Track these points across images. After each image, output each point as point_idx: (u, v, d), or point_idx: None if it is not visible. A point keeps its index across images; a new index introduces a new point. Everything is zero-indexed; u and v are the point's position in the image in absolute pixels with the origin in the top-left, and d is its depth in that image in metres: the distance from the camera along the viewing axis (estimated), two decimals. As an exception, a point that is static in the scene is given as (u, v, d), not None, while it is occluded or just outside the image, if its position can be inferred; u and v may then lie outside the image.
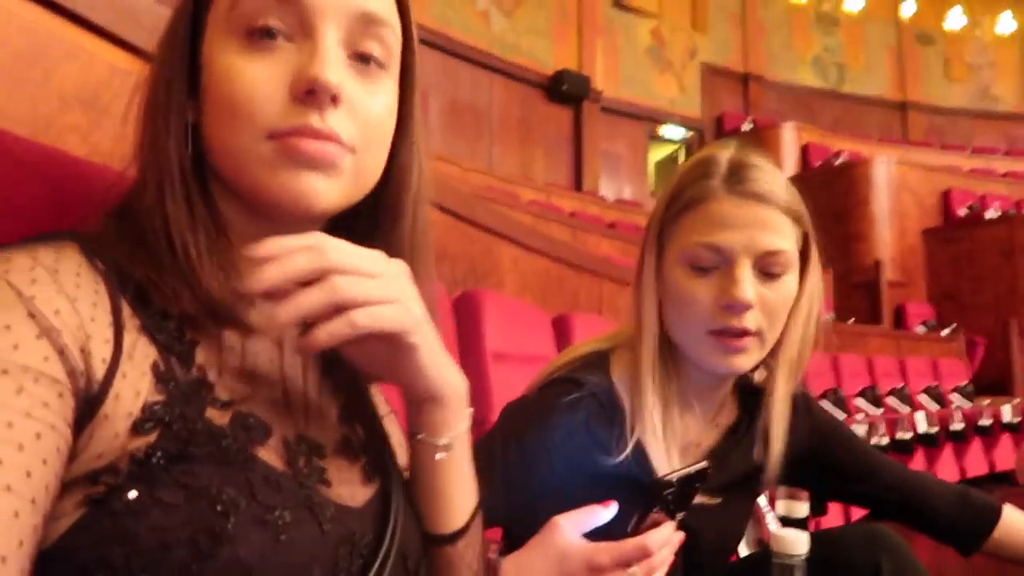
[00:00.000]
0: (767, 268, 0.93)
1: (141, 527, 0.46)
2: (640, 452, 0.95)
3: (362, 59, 0.59)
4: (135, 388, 0.50)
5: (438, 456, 0.64)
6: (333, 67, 0.55)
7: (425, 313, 0.58)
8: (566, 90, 9.36)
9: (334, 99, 0.56)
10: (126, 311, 0.52)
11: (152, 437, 0.49)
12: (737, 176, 0.94)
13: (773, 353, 1.00)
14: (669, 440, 0.97)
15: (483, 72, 8.88)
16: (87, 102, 0.91)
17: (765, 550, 1.00)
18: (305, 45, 0.56)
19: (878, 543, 1.02)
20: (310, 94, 0.55)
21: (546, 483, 0.93)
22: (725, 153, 0.97)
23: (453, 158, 7.62)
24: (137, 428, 0.49)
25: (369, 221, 0.65)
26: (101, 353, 0.49)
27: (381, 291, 0.54)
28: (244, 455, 0.52)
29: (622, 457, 0.93)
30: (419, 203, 0.67)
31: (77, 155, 0.79)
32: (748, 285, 0.91)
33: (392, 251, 0.61)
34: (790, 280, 0.95)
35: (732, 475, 1.04)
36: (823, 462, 1.15)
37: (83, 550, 0.46)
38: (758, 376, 1.08)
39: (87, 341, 0.48)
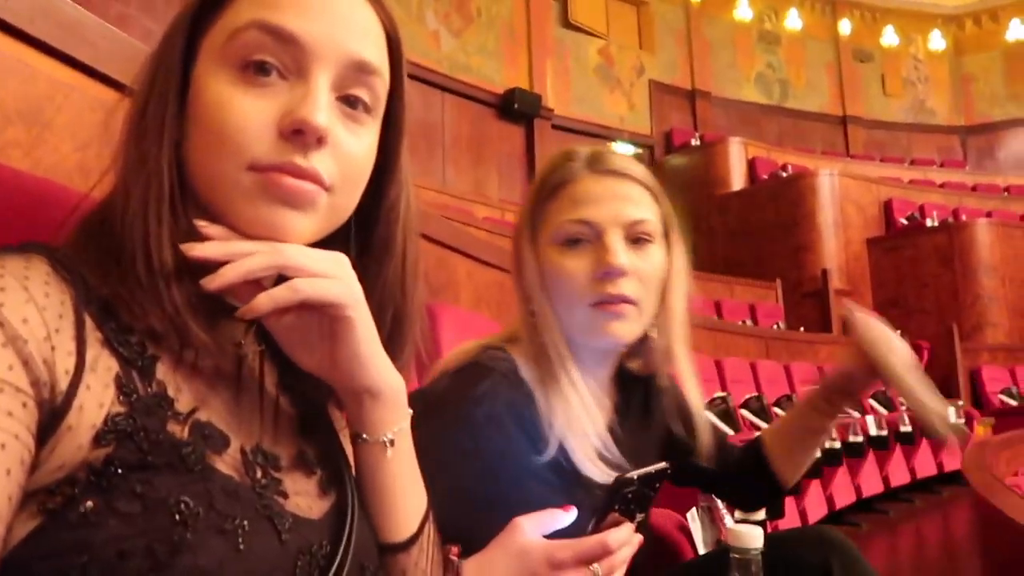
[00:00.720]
0: (636, 237, 0.98)
1: (97, 537, 0.46)
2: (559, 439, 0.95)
3: (349, 102, 0.60)
4: (99, 400, 0.49)
5: (381, 453, 0.65)
6: (323, 111, 0.56)
7: (363, 297, 0.60)
8: (517, 108, 9.44)
9: (320, 140, 0.57)
10: (89, 324, 0.51)
11: (111, 447, 0.48)
12: (597, 159, 1.02)
13: (664, 333, 1.03)
14: (576, 423, 0.97)
15: (434, 92, 8.91)
16: (29, 117, 0.89)
17: (722, 548, 1.02)
18: (298, 85, 0.57)
19: (828, 545, 1.05)
20: (297, 133, 0.56)
21: (478, 479, 0.91)
22: (584, 148, 1.05)
23: (406, 177, 7.60)
24: (100, 439, 0.48)
25: (363, 255, 0.67)
26: (64, 364, 0.48)
27: (324, 266, 0.57)
28: (202, 464, 0.52)
29: (550, 453, 0.93)
30: (408, 234, 0.69)
31: (19, 169, 0.77)
32: (621, 251, 0.96)
33: (388, 283, 0.65)
34: (657, 251, 1.00)
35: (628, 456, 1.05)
36: (683, 446, 1.16)
37: (39, 560, 0.45)
38: (636, 364, 1.11)
39: (52, 352, 0.48)
